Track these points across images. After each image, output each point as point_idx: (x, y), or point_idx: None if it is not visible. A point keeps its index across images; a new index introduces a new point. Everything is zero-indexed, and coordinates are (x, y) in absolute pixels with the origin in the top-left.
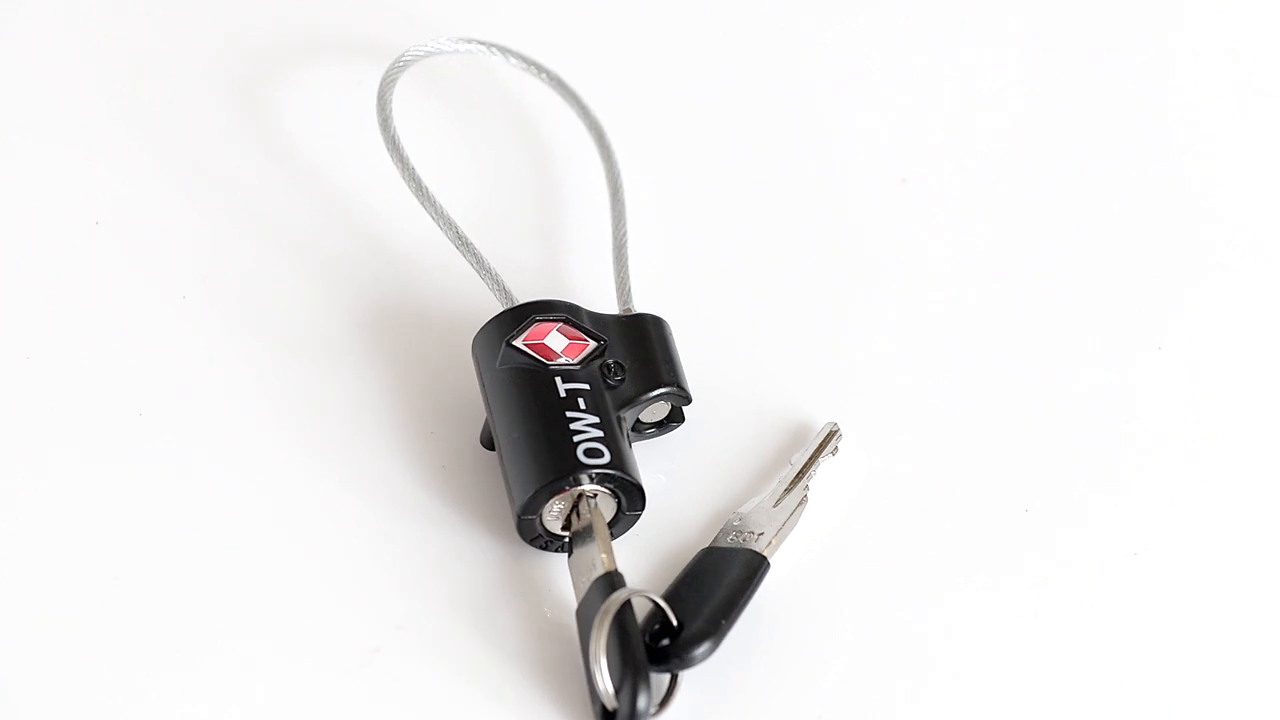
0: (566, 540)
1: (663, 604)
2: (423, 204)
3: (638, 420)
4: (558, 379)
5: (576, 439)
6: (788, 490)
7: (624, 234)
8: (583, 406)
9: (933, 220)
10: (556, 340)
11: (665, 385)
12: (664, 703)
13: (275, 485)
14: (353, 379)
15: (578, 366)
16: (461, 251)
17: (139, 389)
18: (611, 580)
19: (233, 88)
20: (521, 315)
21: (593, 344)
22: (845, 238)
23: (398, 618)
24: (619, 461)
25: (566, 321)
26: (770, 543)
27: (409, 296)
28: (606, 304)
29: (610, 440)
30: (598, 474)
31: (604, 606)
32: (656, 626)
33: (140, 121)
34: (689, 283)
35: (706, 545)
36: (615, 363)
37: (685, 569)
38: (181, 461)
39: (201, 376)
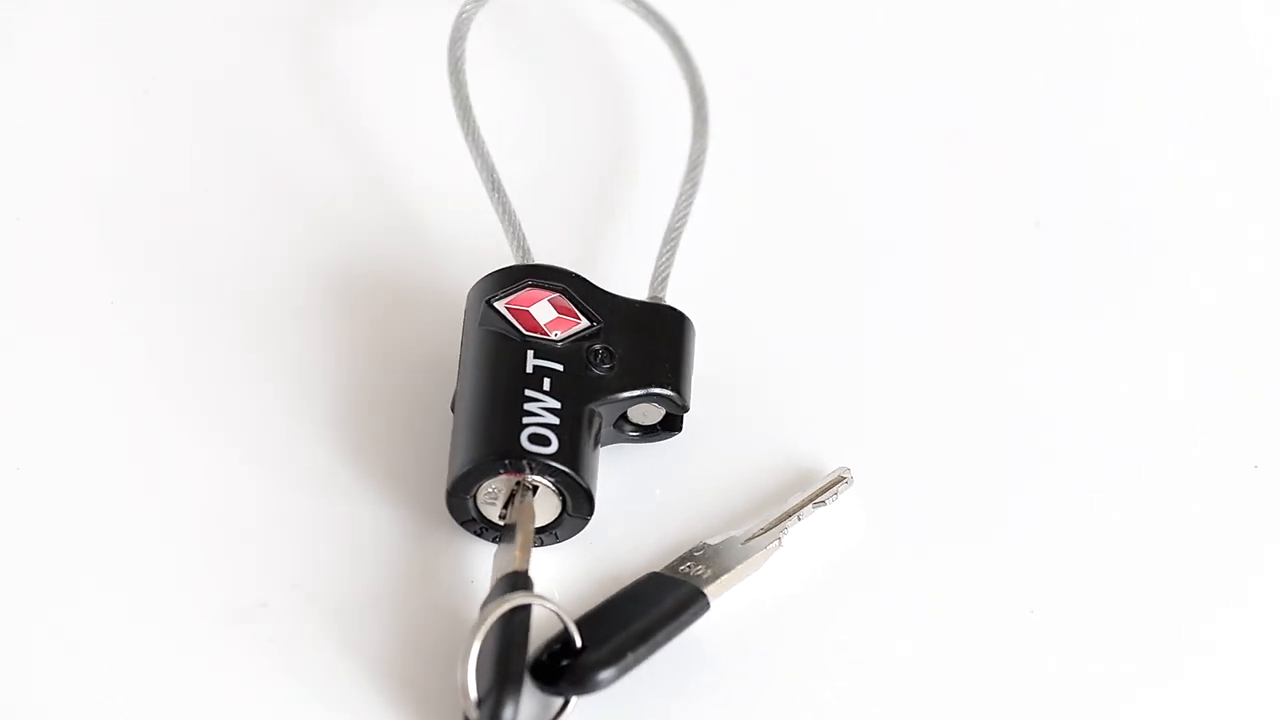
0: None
1: (567, 620)
2: (466, 137)
3: (624, 418)
4: (529, 352)
5: (526, 421)
6: (764, 530)
7: (684, 217)
8: (546, 388)
9: (1067, 268)
10: (544, 311)
11: (659, 387)
12: None
13: (203, 437)
14: (314, 341)
15: (558, 343)
16: (490, 196)
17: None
18: (515, 581)
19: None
20: (516, 276)
21: (584, 323)
22: (942, 282)
23: (296, 577)
24: (567, 455)
25: (563, 293)
26: (720, 581)
27: (395, 261)
28: (638, 288)
29: (565, 430)
30: (539, 464)
31: (489, 607)
32: (558, 646)
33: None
34: (740, 289)
35: (657, 570)
36: (604, 348)
37: (621, 590)
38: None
39: (154, 324)
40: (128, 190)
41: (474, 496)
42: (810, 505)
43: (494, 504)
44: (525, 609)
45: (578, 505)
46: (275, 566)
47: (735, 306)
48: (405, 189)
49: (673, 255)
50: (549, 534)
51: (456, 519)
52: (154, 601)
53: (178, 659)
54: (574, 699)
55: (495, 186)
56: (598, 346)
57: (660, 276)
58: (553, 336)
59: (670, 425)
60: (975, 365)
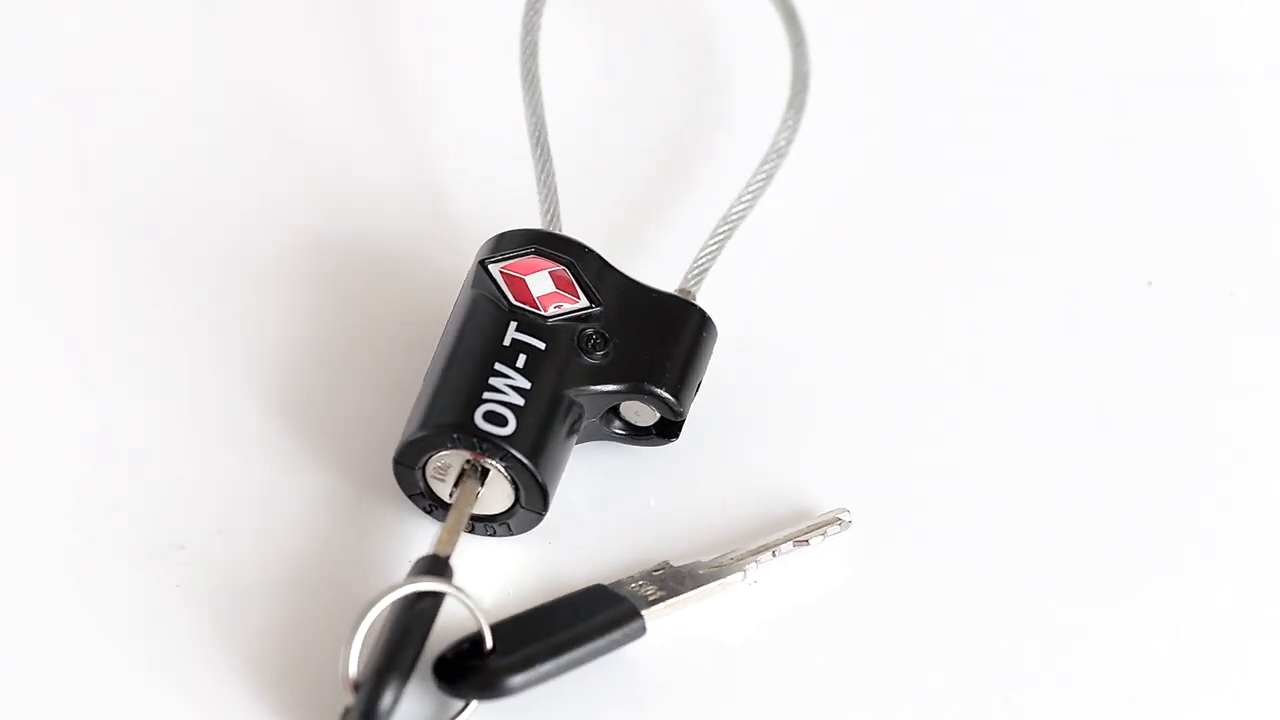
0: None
1: (479, 617)
2: (524, 81)
3: (617, 414)
4: (512, 324)
5: (485, 396)
6: (732, 561)
7: (743, 212)
8: (519, 365)
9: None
10: (541, 282)
11: (655, 386)
12: None
13: (155, 380)
14: (294, 303)
15: (546, 320)
16: (532, 151)
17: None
18: (429, 565)
19: None
20: (522, 241)
21: (582, 303)
22: (1032, 335)
23: (223, 527)
24: (524, 441)
25: (569, 267)
26: (667, 605)
27: (394, 230)
28: (670, 280)
29: (528, 414)
30: (491, 444)
31: (385, 589)
32: (466, 645)
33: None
34: (791, 303)
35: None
36: (599, 333)
37: (558, 598)
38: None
39: (117, 269)
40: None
41: (422, 469)
42: (790, 543)
43: (444, 480)
44: (433, 597)
45: (530, 497)
46: (204, 514)
47: (781, 321)
48: (426, 154)
49: (718, 251)
50: (501, 524)
51: (405, 491)
52: (70, 529)
53: (76, 587)
54: (474, 703)
55: (540, 141)
56: (591, 330)
57: (697, 270)
58: (542, 311)
59: (666, 431)
60: (1051, 433)
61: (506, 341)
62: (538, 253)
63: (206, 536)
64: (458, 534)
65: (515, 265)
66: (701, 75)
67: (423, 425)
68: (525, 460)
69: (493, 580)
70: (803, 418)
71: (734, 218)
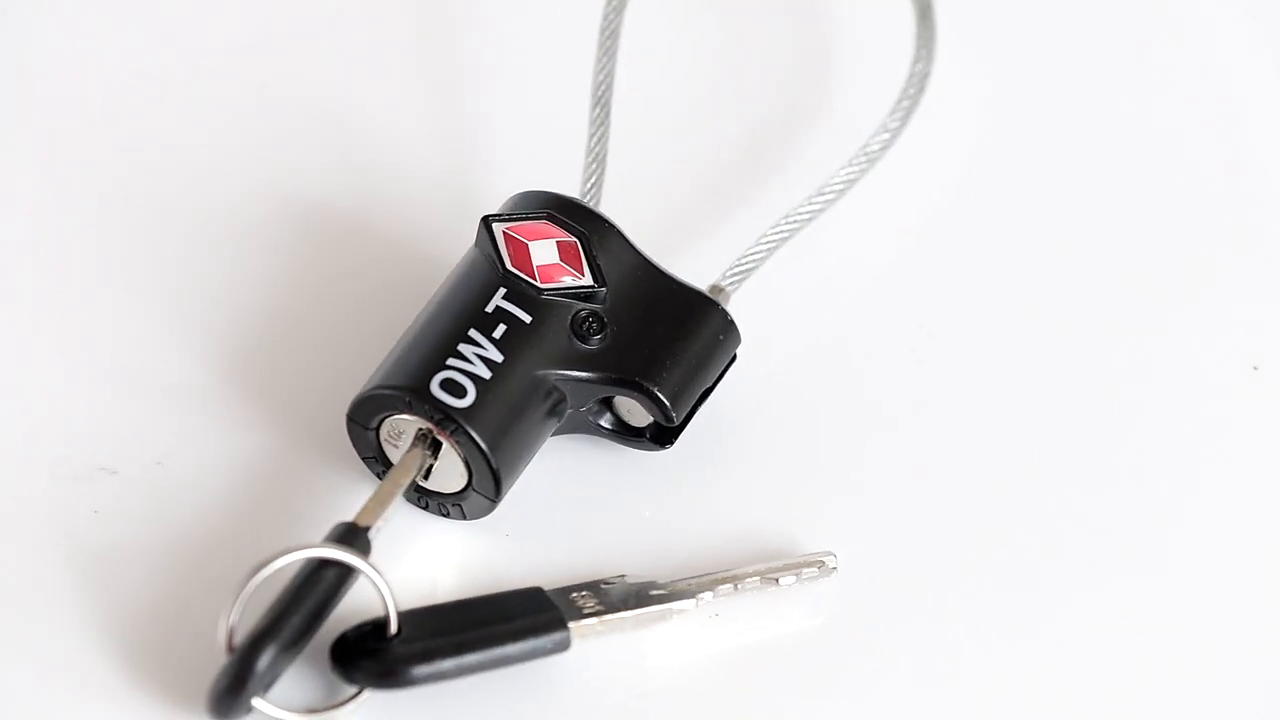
0: None
1: (387, 599)
2: (600, 50)
3: (608, 407)
4: (500, 290)
5: (449, 363)
6: (687, 589)
7: (805, 217)
8: (497, 335)
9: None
10: (545, 251)
11: (649, 383)
12: (327, 709)
13: (131, 316)
14: (290, 268)
15: (540, 292)
16: (590, 115)
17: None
18: (342, 534)
19: None
20: (538, 203)
21: (585, 280)
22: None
23: (162, 458)
24: (480, 417)
25: (580, 240)
26: (603, 621)
27: (387, 202)
28: (704, 275)
29: (493, 390)
30: (442, 414)
31: (279, 550)
32: (368, 627)
33: None
34: (832, 330)
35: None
36: (595, 316)
37: (487, 595)
38: None
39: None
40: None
41: (376, 431)
42: (759, 579)
43: (398, 446)
44: (340, 569)
45: (482, 480)
46: (146, 446)
47: (820, 344)
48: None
49: (767, 255)
50: (454, 505)
51: (359, 453)
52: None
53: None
54: (367, 692)
55: (601, 101)
56: (587, 311)
57: (738, 271)
58: (537, 282)
59: (661, 437)
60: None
61: (489, 308)
62: (551, 219)
63: (143, 467)
64: (386, 505)
65: (521, 228)
66: (796, 65)
67: (377, 383)
68: (477, 438)
69: (428, 563)
70: (817, 455)
71: (794, 222)
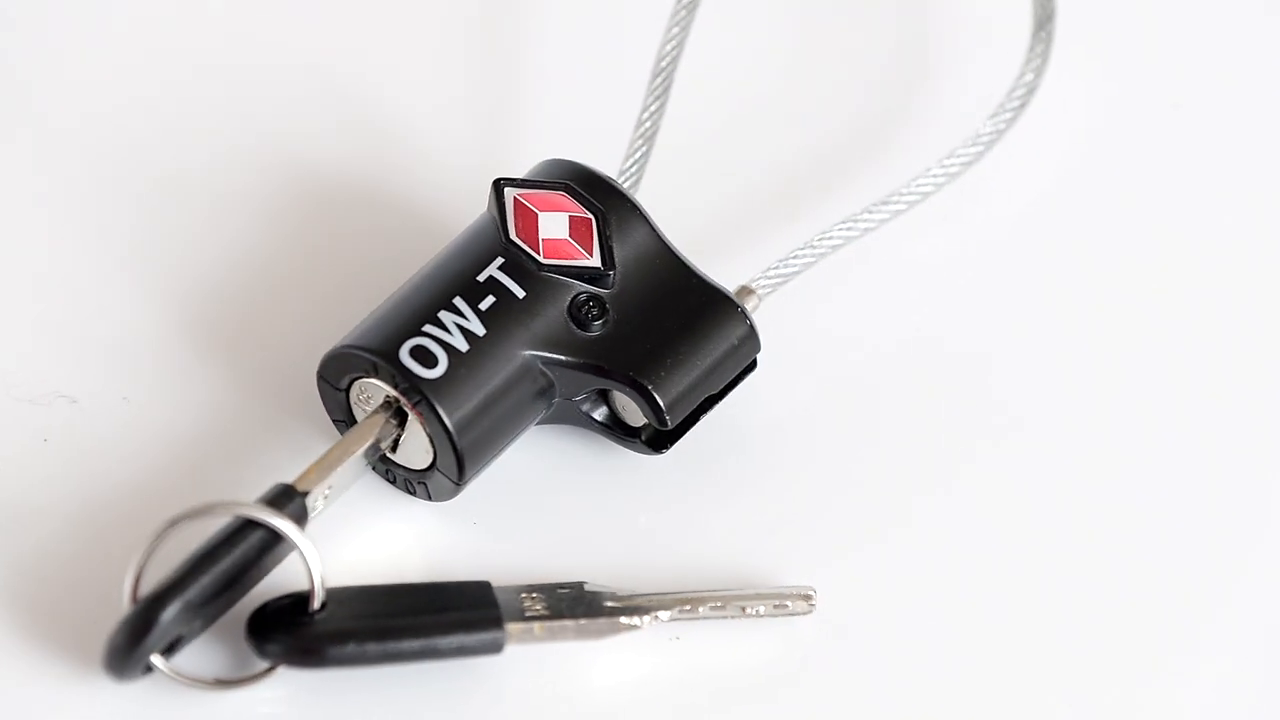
0: None
1: (312, 570)
2: (672, 16)
3: (605, 401)
4: (497, 260)
5: (425, 329)
6: (646, 605)
7: (862, 228)
8: (481, 307)
9: None
10: (554, 224)
11: (644, 380)
12: (234, 681)
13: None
14: (300, 231)
15: (540, 268)
16: (647, 93)
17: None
18: (277, 496)
19: None
20: (559, 173)
21: (591, 261)
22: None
23: (130, 394)
24: (447, 390)
25: (597, 218)
26: (543, 627)
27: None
28: (742, 277)
29: (467, 364)
30: (407, 382)
31: (204, 504)
32: (288, 600)
33: None
34: (867, 358)
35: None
36: (595, 300)
37: (425, 582)
38: None
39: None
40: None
41: (346, 393)
42: (726, 605)
43: (367, 410)
44: (266, 533)
45: (445, 459)
46: (115, 379)
47: (850, 369)
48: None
49: (813, 262)
50: (419, 484)
51: (329, 414)
52: None
53: None
54: (279, 669)
55: (664, 73)
56: (587, 294)
57: (774, 274)
58: (539, 256)
59: (656, 441)
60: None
61: (481, 277)
62: (570, 191)
63: (106, 402)
64: (329, 472)
65: (534, 196)
66: (887, 62)
67: (346, 342)
68: (442, 413)
69: (384, 543)
70: (829, 487)
71: (850, 230)
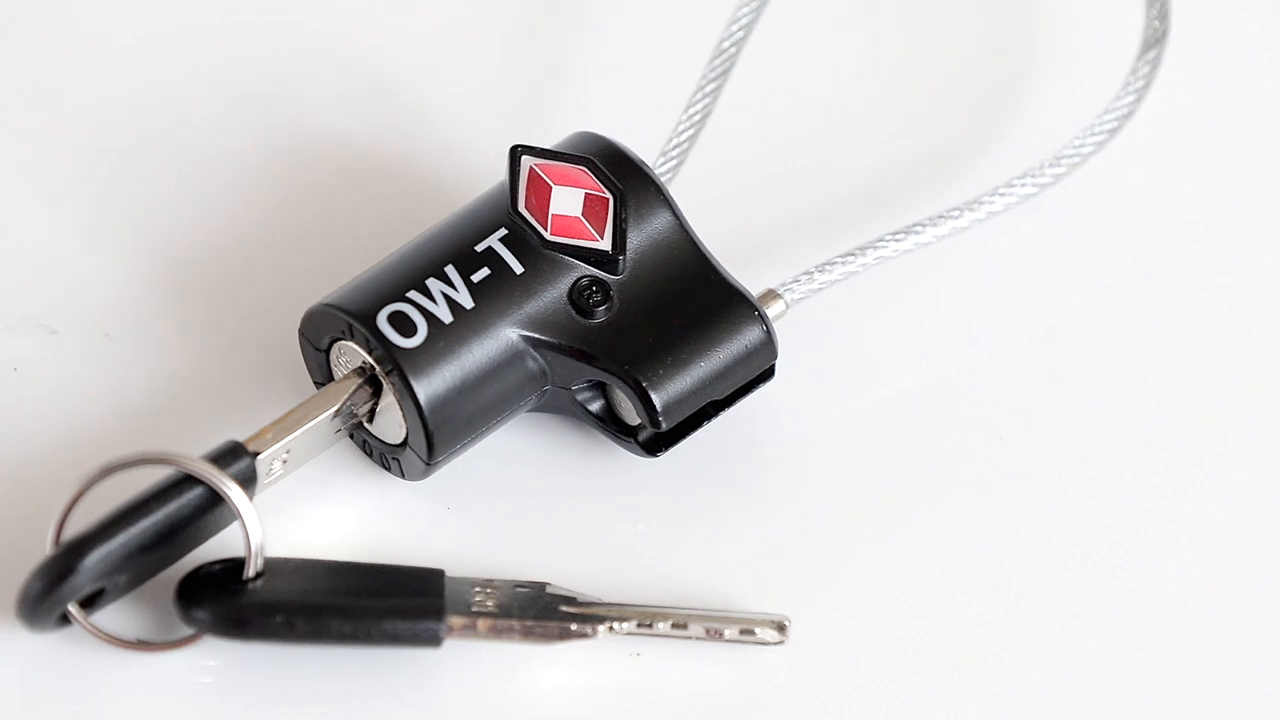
0: None
1: (250, 535)
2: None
3: (602, 393)
4: (499, 231)
5: (409, 295)
6: (608, 613)
7: (915, 243)
8: (473, 279)
9: None
10: (567, 200)
11: (640, 377)
12: (156, 644)
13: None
14: (314, 200)
15: (544, 244)
16: (704, 73)
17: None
18: (222, 453)
19: None
20: (586, 146)
21: (600, 243)
22: None
23: (112, 330)
24: (421, 362)
25: (616, 199)
26: (486, 625)
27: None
28: (766, 282)
29: (448, 337)
30: (380, 349)
31: (141, 453)
32: (219, 566)
33: None
34: (894, 382)
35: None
36: (598, 285)
37: (374, 564)
38: None
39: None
40: None
41: (327, 354)
42: (689, 625)
43: (344, 371)
44: (206, 491)
45: (415, 436)
46: (100, 314)
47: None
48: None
49: (854, 273)
50: (393, 459)
51: (311, 375)
52: None
53: None
54: (203, 638)
55: (725, 55)
56: (590, 278)
57: (806, 282)
58: (544, 232)
59: (649, 446)
60: None
61: (480, 247)
62: (592, 168)
63: (88, 336)
64: (287, 434)
65: (552, 168)
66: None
67: (327, 300)
68: (414, 386)
69: (348, 517)
70: (835, 517)
71: (896, 243)
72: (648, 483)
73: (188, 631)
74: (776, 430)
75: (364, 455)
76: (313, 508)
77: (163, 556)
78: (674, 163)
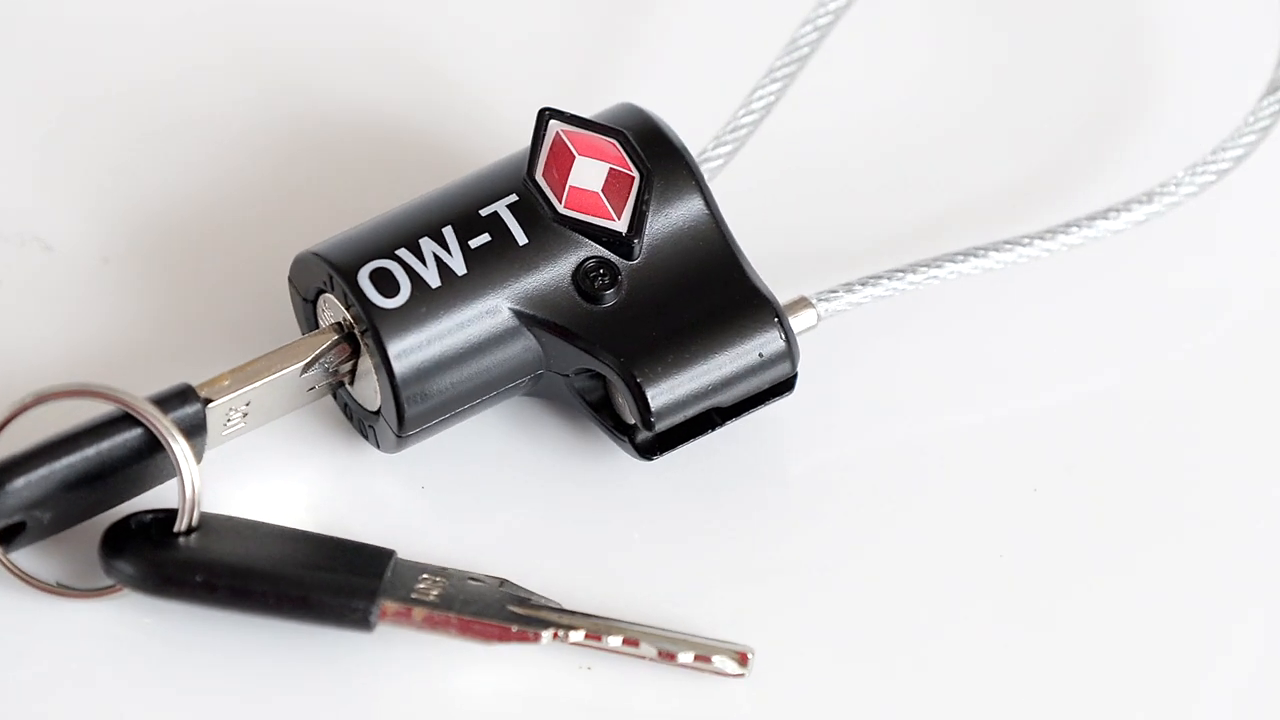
0: None
1: (188, 488)
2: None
3: (600, 382)
4: (509, 197)
5: (398, 254)
6: (557, 620)
7: (982, 264)
8: (470, 244)
9: None
10: (590, 173)
11: (635, 371)
12: (74, 590)
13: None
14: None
15: (554, 217)
16: (774, 64)
17: None
18: (172, 397)
19: None
20: (620, 118)
21: (616, 223)
22: None
23: (110, 254)
24: (399, 325)
25: (643, 178)
26: (422, 615)
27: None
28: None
29: (434, 302)
30: (356, 309)
31: (77, 384)
32: (151, 517)
33: None
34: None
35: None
36: (606, 268)
37: (324, 535)
38: None
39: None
40: None
41: (314, 305)
42: (641, 643)
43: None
44: (145, 433)
45: (387, 404)
46: (98, 236)
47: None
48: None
49: (893, 293)
50: (370, 428)
51: (300, 325)
52: None
53: None
54: (122, 592)
55: (802, 45)
56: (598, 260)
57: (839, 296)
58: (557, 204)
59: (647, 446)
60: None
61: (485, 211)
62: (624, 142)
63: (83, 260)
64: (246, 384)
65: (580, 137)
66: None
67: (316, 247)
68: (388, 349)
69: (309, 483)
70: (831, 558)
71: (954, 265)
72: (637, 488)
73: (104, 583)
74: (784, 452)
75: (345, 420)
76: (277, 470)
77: (93, 499)
78: (728, 148)
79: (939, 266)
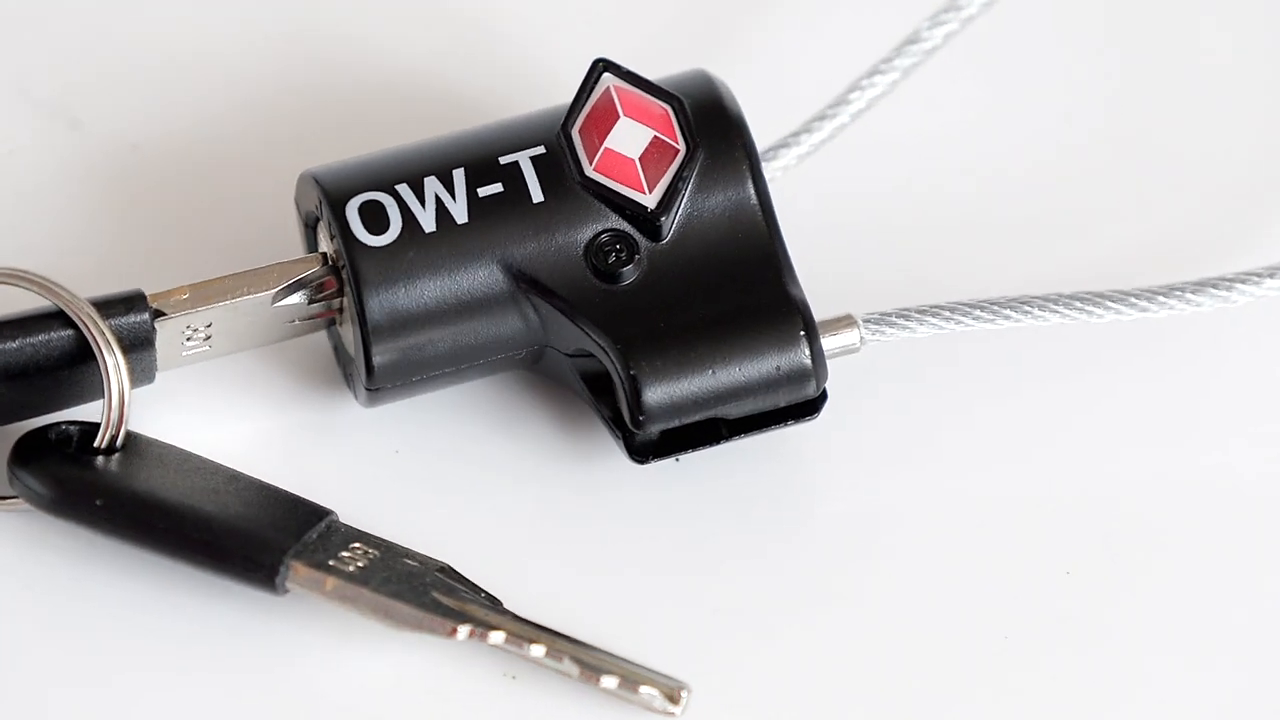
0: None
1: (112, 399)
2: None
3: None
4: (533, 149)
5: (396, 189)
6: (484, 618)
7: (1061, 313)
8: (481, 193)
9: None
10: (631, 137)
11: (630, 362)
12: None
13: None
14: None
15: (577, 176)
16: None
17: None
18: (117, 302)
19: None
20: (683, 86)
21: (646, 199)
22: None
23: (140, 141)
24: (373, 263)
25: (689, 152)
26: (332, 584)
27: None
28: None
29: (420, 247)
30: (338, 241)
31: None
32: (77, 431)
33: None
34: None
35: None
36: (625, 244)
37: (267, 484)
38: None
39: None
40: None
41: (315, 231)
42: (563, 659)
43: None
44: (76, 335)
45: (359, 352)
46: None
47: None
48: None
49: (948, 327)
50: (350, 376)
51: (304, 247)
52: None
53: None
54: (24, 504)
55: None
56: (616, 234)
57: (891, 323)
58: (586, 165)
59: (641, 447)
60: None
61: (504, 159)
62: (678, 110)
63: (112, 140)
64: (206, 302)
65: (632, 96)
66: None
67: (315, 168)
68: (363, 290)
69: (270, 424)
70: (813, 615)
71: (1029, 310)
72: (626, 492)
73: (11, 493)
74: (793, 485)
75: (333, 364)
76: (243, 405)
77: (13, 400)
78: (799, 153)
79: (1014, 308)
